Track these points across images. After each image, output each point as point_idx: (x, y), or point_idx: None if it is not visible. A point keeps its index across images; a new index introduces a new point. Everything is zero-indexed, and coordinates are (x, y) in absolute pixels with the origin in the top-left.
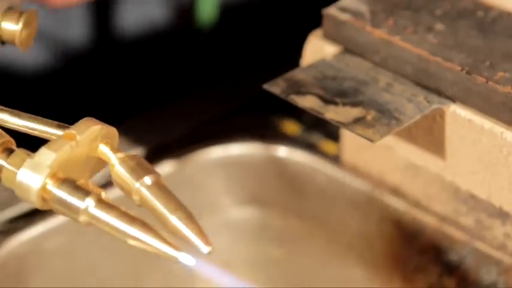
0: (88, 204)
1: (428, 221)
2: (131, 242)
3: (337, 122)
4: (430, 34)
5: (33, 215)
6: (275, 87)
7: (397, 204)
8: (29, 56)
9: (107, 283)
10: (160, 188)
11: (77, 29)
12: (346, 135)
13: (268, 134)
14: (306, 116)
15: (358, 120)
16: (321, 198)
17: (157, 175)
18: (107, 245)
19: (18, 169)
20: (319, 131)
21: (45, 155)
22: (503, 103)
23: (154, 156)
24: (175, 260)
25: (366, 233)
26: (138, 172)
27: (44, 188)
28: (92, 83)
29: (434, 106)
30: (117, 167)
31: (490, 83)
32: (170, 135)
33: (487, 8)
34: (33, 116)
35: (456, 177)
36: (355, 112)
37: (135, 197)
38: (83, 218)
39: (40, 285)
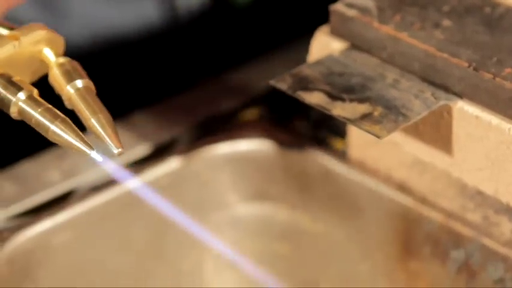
0: (19, 97)
1: (435, 217)
2: (51, 137)
3: (344, 118)
4: (437, 30)
5: (40, 211)
6: (282, 83)
7: (403, 200)
8: None
9: (114, 279)
10: (88, 93)
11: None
12: (353, 131)
13: (275, 130)
14: (313, 112)
15: (365, 117)
16: (327, 195)
17: (87, 81)
18: (114, 241)
19: None
20: (326, 127)
21: None
22: (511, 99)
23: (160, 151)
24: (87, 155)
25: (372, 229)
26: (71, 76)
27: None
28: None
29: (442, 102)
30: (54, 69)
31: (497, 79)
32: (177, 131)
33: (494, 4)
34: None
35: (463, 174)
36: (362, 108)
37: (65, 98)
38: (12, 110)
39: (47, 281)
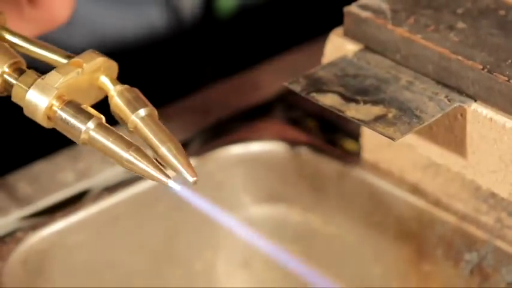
0: (89, 126)
1: (449, 219)
2: (126, 165)
3: (358, 120)
4: (452, 33)
5: (54, 211)
6: (296, 84)
7: (417, 202)
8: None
9: (127, 280)
10: (153, 120)
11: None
12: (366, 133)
13: (288, 131)
14: (326, 114)
15: (379, 119)
16: (340, 196)
17: (151, 108)
18: (127, 241)
19: (29, 88)
20: (340, 129)
21: (53, 77)
22: None
23: None
24: (164, 185)
25: (385, 231)
26: (134, 105)
27: (50, 108)
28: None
29: (456, 105)
30: (115, 98)
31: None
32: (190, 133)
33: (509, 7)
34: (44, 43)
35: (477, 176)
36: (376, 110)
37: (130, 127)
38: (83, 138)
39: (61, 281)
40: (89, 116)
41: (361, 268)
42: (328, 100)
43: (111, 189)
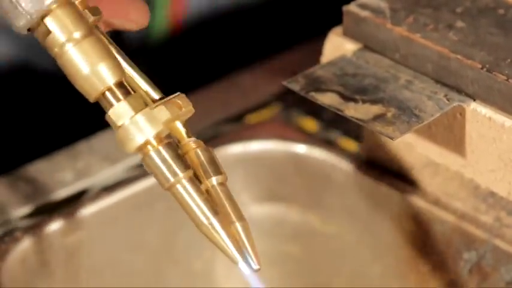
0: (182, 177)
1: (448, 218)
2: (202, 230)
3: (357, 119)
4: (451, 32)
5: (53, 211)
6: (295, 84)
7: (416, 201)
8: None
9: (126, 279)
10: (226, 190)
11: None
12: (365, 132)
13: (287, 131)
14: (325, 113)
15: (378, 118)
16: (339, 196)
17: (224, 177)
18: (126, 241)
19: (135, 113)
20: (338, 128)
21: (162, 112)
22: None
23: None
24: (235, 263)
25: (384, 230)
26: (208, 170)
27: (147, 142)
28: None
29: (455, 104)
30: (190, 153)
31: (511, 80)
32: (190, 131)
33: (508, 6)
34: (143, 73)
35: (476, 175)
36: (375, 109)
37: (202, 187)
38: (170, 186)
39: (60, 280)
40: (185, 167)
41: (360, 267)
42: (327, 99)
43: (110, 188)
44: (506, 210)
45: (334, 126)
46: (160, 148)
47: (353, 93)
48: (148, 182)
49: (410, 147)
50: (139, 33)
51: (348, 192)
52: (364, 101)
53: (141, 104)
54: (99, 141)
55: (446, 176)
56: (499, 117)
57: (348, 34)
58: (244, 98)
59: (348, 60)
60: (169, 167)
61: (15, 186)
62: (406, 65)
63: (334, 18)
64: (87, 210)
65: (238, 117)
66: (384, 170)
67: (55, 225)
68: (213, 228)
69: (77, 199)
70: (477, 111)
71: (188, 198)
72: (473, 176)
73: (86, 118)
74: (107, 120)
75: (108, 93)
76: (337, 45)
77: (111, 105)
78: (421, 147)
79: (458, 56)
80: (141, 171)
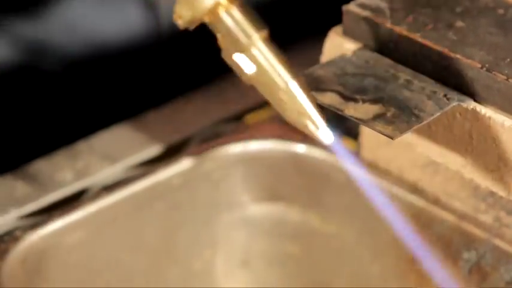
0: (256, 37)
1: (447, 218)
2: (282, 95)
3: (357, 118)
4: (450, 31)
5: (53, 210)
6: None
7: (416, 201)
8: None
9: (126, 278)
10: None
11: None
12: (365, 131)
13: (287, 130)
14: (324, 113)
15: (377, 117)
16: (339, 195)
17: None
18: (126, 240)
19: None
20: (338, 127)
21: None
22: None
23: (172, 152)
24: (316, 129)
25: (384, 230)
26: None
27: (220, 3)
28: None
29: (454, 103)
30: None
31: (511, 80)
32: (189, 131)
33: (508, 6)
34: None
35: (476, 175)
36: (375, 109)
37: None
38: (248, 44)
39: (59, 280)
40: (258, 28)
41: (360, 267)
42: (327, 99)
43: (109, 188)
44: (506, 210)
45: (334, 125)
46: (231, 10)
47: (353, 92)
48: (148, 181)
49: (410, 147)
50: (146, 29)
51: (348, 191)
52: (364, 101)
53: None
54: (98, 140)
55: (446, 175)
56: (499, 117)
57: (348, 34)
58: (243, 98)
59: (347, 59)
60: (243, 27)
61: (15, 186)
62: (405, 65)
63: (334, 18)
64: (87, 210)
65: (238, 117)
66: (384, 170)
67: (55, 225)
68: (291, 90)
69: (76, 199)
70: (477, 110)
71: (267, 57)
72: (473, 175)
73: (86, 118)
74: None
75: None
76: (337, 45)
77: None
78: (420, 147)
79: (458, 56)
80: (141, 170)
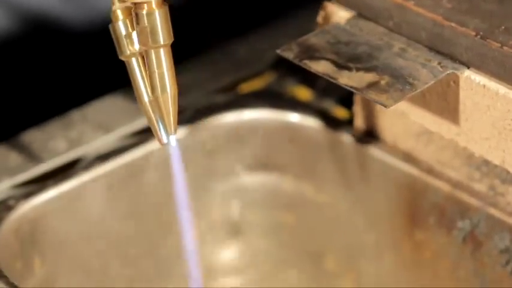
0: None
1: (441, 187)
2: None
3: (351, 87)
4: None
5: (46, 180)
6: (288, 52)
7: (409, 170)
8: None
9: (120, 247)
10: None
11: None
12: (359, 100)
13: (280, 99)
14: (318, 82)
15: (371, 85)
16: (332, 164)
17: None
18: (120, 209)
19: None
20: (332, 96)
21: None
22: None
23: None
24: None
25: (378, 200)
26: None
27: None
28: (103, 46)
29: (449, 71)
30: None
31: (505, 48)
32: (183, 101)
33: None
34: None
35: (470, 143)
36: (369, 77)
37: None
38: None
39: (53, 249)
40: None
41: (354, 236)
42: (321, 67)
43: (103, 157)
44: (500, 178)
45: (328, 94)
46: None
47: (347, 61)
48: (142, 151)
49: (404, 116)
50: None
51: (341, 160)
52: (357, 69)
53: None
54: (92, 110)
55: (440, 144)
56: (493, 85)
57: (342, 2)
58: (237, 67)
59: (341, 28)
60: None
61: (8, 155)
62: (399, 33)
63: None
64: (81, 179)
65: (231, 87)
66: (378, 139)
67: (48, 194)
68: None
69: (70, 168)
70: (471, 78)
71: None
72: (467, 144)
73: (79, 87)
74: None
75: None
76: (331, 13)
77: None
78: (414, 116)
79: (452, 24)
80: (135, 140)
